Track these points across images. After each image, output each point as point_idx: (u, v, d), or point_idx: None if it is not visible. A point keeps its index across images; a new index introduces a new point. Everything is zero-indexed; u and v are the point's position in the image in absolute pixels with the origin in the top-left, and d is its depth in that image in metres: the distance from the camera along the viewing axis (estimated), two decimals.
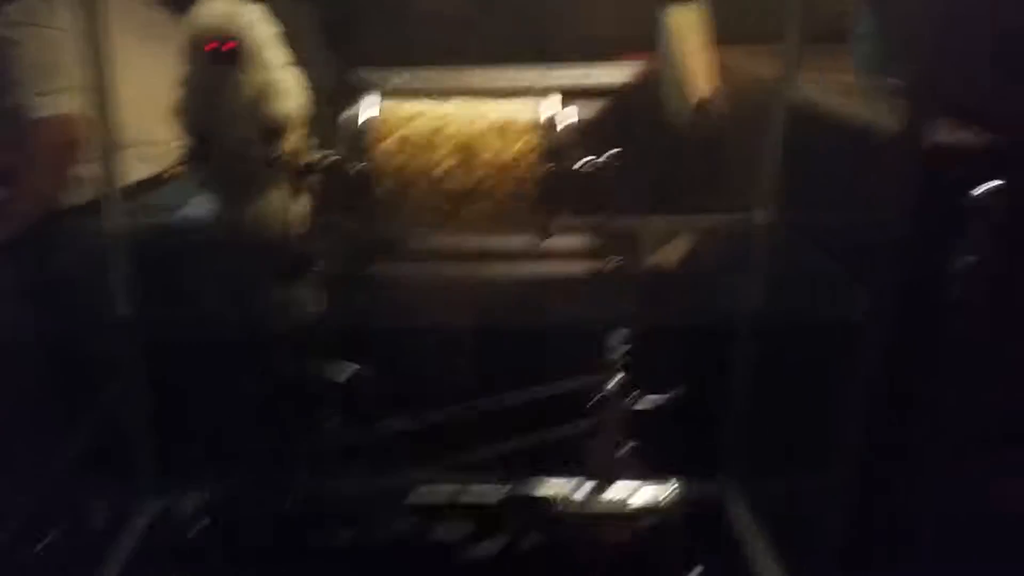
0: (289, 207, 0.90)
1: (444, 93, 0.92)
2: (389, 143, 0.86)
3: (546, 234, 0.90)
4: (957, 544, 0.89)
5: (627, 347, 0.97)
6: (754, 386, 1.11)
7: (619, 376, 0.97)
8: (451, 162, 0.85)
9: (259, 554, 0.98)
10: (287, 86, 0.91)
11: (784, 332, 1.01)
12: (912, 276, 0.76)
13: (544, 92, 0.90)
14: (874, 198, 0.78)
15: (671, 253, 1.14)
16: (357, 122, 0.87)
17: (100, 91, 1.01)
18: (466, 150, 0.85)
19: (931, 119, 0.72)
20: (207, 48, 0.86)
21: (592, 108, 1.17)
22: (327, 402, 1.02)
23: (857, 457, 0.85)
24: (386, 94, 0.92)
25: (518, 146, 0.85)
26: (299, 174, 0.90)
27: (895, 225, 0.76)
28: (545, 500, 1.00)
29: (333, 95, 1.15)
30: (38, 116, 1.31)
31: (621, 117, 1.18)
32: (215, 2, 0.88)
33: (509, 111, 0.88)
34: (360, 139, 0.86)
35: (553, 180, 0.85)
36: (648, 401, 0.98)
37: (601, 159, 0.87)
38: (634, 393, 0.98)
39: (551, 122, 0.86)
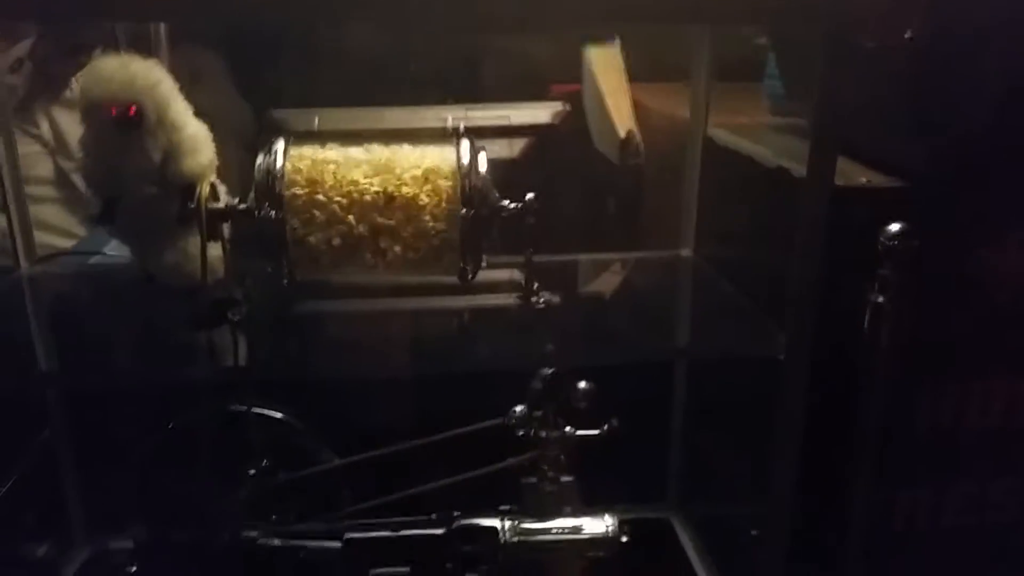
0: (204, 254, 0.87)
1: (360, 134, 0.90)
2: (301, 189, 0.84)
3: (467, 276, 0.89)
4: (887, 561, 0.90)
5: (559, 382, 0.97)
6: (691, 416, 1.12)
7: (550, 410, 0.97)
8: (365, 208, 0.84)
9: None
10: (195, 144, 0.88)
11: (713, 365, 1.02)
12: (825, 315, 0.77)
13: (461, 133, 0.90)
14: (786, 238, 0.79)
15: (604, 285, 1.15)
16: (269, 168, 0.85)
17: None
18: (380, 196, 0.84)
19: (833, 160, 0.73)
20: (109, 113, 0.83)
21: (515, 147, 1.18)
22: (254, 447, 1.00)
23: (787, 486, 0.86)
24: (300, 137, 0.90)
25: (434, 191, 0.84)
26: (212, 221, 0.87)
27: (806, 264, 0.77)
28: (491, 531, 0.98)
29: (248, 138, 1.13)
30: None
31: (545, 155, 1.18)
32: (108, 61, 0.85)
33: (425, 156, 0.87)
34: (273, 185, 0.84)
35: (471, 224, 0.84)
36: (583, 435, 0.98)
37: (517, 204, 0.87)
38: (567, 427, 0.97)
39: (467, 166, 0.85)
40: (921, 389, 0.85)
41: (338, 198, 0.84)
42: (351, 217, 0.84)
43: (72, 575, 1.07)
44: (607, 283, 1.12)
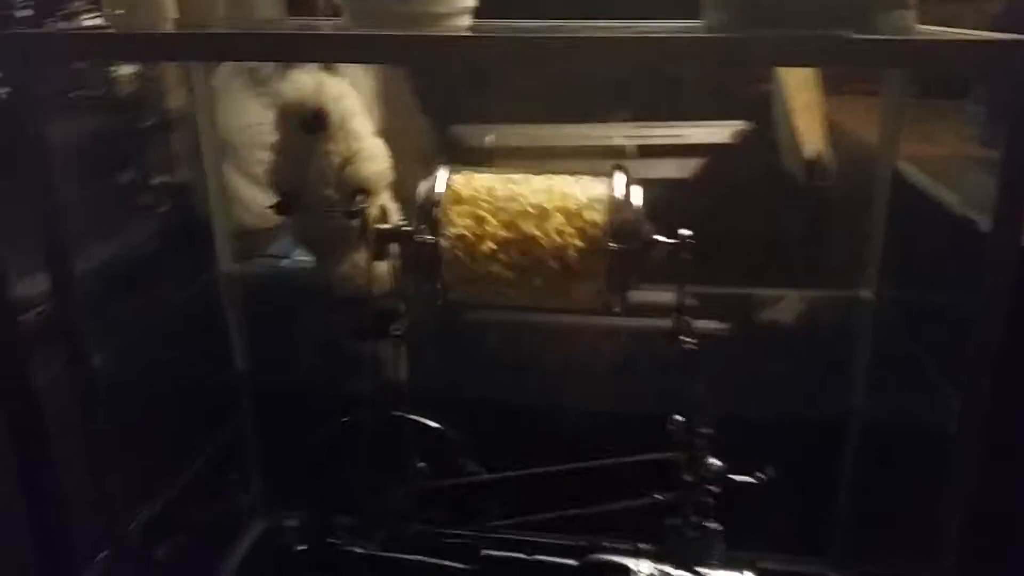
0: (371, 268, 0.92)
1: (529, 152, 0.91)
2: (457, 216, 0.86)
3: (615, 309, 0.87)
4: None
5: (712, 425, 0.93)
6: (853, 467, 1.04)
7: (704, 454, 0.93)
8: (517, 238, 0.85)
9: None
10: (372, 152, 0.96)
11: (884, 419, 0.93)
12: (1006, 387, 0.68)
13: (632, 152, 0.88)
14: (968, 295, 0.70)
15: (781, 313, 1.09)
16: (429, 194, 0.87)
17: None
18: (533, 226, 0.84)
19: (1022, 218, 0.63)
20: (299, 116, 0.93)
21: (689, 167, 1.13)
22: (410, 451, 1.04)
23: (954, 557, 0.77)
24: (472, 153, 0.92)
25: (584, 225, 0.83)
26: (379, 238, 0.92)
27: (986, 333, 0.68)
28: (623, 570, 0.97)
29: (429, 153, 1.17)
30: None
31: (722, 176, 1.13)
32: (304, 75, 0.94)
33: (579, 188, 0.85)
34: (431, 210, 0.87)
35: (618, 259, 0.82)
36: (737, 482, 0.93)
37: (674, 240, 0.83)
38: (719, 470, 0.93)
39: (621, 200, 0.83)
40: None
41: (491, 227, 0.85)
42: (504, 248, 0.85)
43: (249, 545, 1.21)
44: (778, 320, 1.05)
